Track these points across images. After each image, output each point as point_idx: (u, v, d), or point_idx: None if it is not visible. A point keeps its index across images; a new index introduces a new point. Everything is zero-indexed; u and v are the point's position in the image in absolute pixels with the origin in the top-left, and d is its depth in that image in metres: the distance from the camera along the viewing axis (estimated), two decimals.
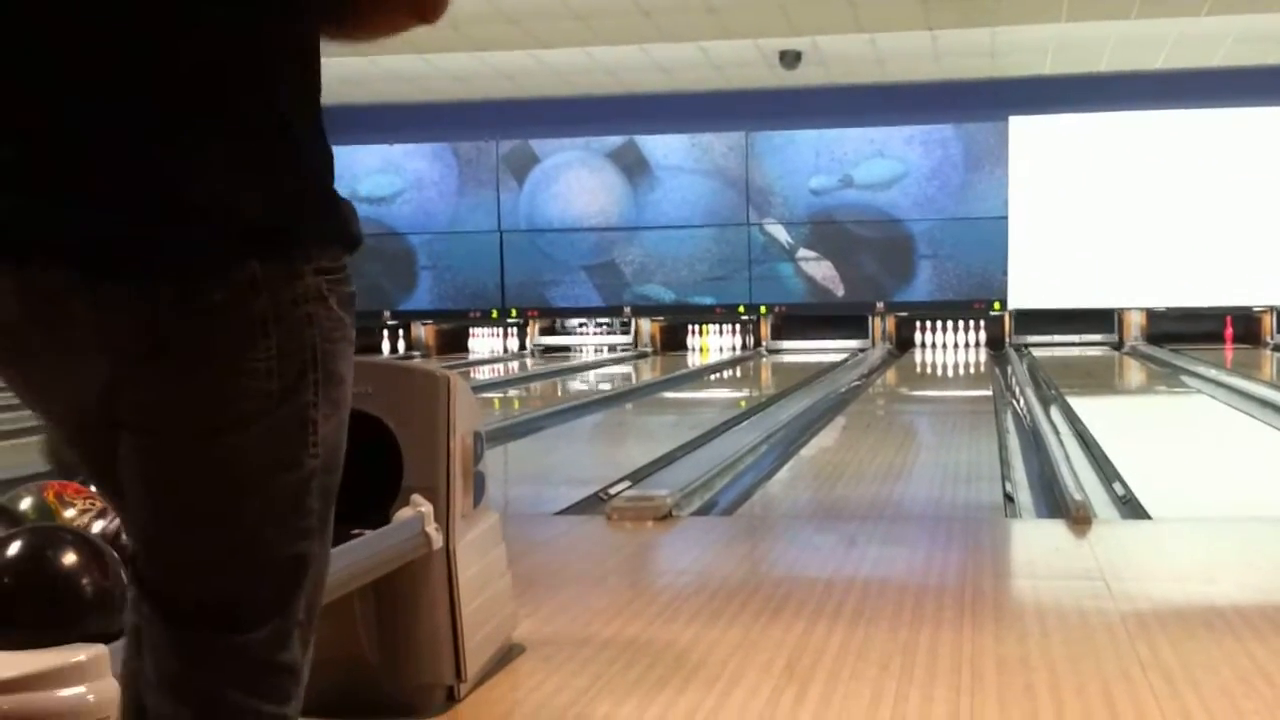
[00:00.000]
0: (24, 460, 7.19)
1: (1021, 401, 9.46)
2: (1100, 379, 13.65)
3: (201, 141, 1.30)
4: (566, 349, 17.60)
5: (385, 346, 17.46)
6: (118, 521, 2.00)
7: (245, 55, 1.33)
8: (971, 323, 16.81)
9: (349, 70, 13.91)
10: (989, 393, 11.01)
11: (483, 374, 14.65)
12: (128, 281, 1.30)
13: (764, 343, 17.11)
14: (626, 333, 17.53)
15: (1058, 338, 16.66)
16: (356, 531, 2.56)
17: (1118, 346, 16.31)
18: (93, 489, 2.26)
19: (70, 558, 1.84)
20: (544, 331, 17.76)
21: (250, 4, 1.33)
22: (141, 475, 1.38)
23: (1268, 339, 16.09)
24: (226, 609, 1.39)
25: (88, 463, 1.51)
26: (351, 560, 2.49)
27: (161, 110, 1.30)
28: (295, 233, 1.35)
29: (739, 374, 14.94)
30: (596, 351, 17.47)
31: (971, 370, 14.60)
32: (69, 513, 2.15)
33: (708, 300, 17.26)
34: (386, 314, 17.34)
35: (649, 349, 17.22)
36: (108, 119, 1.30)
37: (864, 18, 13.03)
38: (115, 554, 1.91)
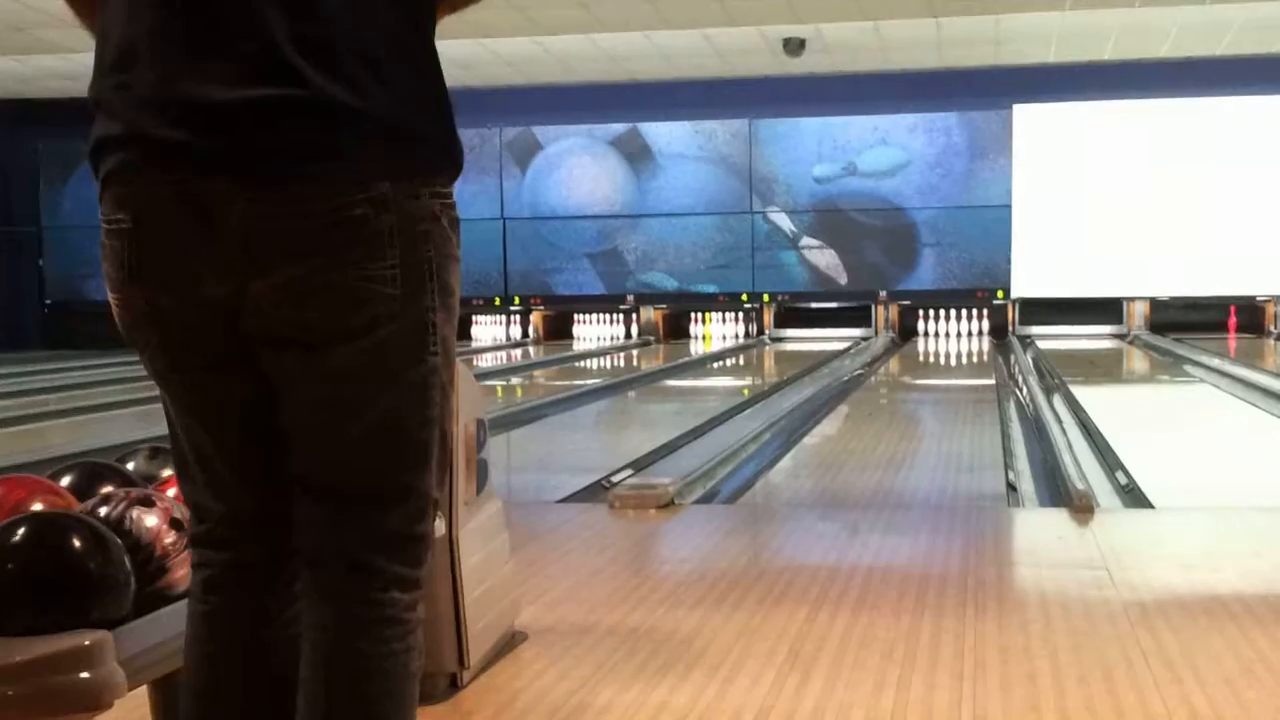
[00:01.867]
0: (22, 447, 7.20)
1: (1024, 390, 9.46)
2: (1103, 368, 13.64)
3: (353, 74, 1.54)
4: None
5: None
6: (121, 507, 2.00)
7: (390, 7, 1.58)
8: (975, 311, 16.81)
9: None
10: (992, 381, 11.00)
11: (486, 361, 14.65)
12: (281, 191, 1.53)
13: (767, 331, 17.12)
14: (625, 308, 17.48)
15: (1061, 327, 16.67)
16: None
17: (1121, 335, 16.30)
18: (62, 484, 2.25)
19: (75, 544, 1.84)
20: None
21: None
22: (293, 381, 1.62)
23: (1271, 328, 16.08)
24: (373, 487, 1.64)
25: (189, 382, 1.68)
26: None
27: (322, 46, 1.54)
28: (419, 159, 1.60)
29: (742, 362, 14.93)
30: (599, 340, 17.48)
31: (974, 359, 14.59)
32: None
33: (711, 288, 17.26)
34: None
35: (652, 337, 17.21)
36: (282, 51, 1.52)
37: (868, 5, 13.01)
38: (119, 540, 1.91)
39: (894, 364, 13.84)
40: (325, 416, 1.63)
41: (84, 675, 1.73)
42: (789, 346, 16.21)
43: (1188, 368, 12.11)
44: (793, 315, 17.26)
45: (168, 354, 1.67)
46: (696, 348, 16.56)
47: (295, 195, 1.53)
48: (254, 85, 1.52)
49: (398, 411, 1.63)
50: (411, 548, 1.68)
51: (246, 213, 1.53)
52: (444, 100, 1.64)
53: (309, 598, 1.68)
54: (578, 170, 17.40)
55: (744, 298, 17.17)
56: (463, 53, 14.73)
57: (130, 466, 2.37)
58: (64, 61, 14.80)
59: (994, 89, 16.24)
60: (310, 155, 1.53)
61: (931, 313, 16.97)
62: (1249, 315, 16.47)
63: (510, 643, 3.14)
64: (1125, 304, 16.48)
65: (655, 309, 17.40)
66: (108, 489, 2.16)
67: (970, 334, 16.76)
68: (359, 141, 1.55)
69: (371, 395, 1.62)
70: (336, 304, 1.57)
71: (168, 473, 2.31)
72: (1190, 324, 16.11)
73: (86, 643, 1.75)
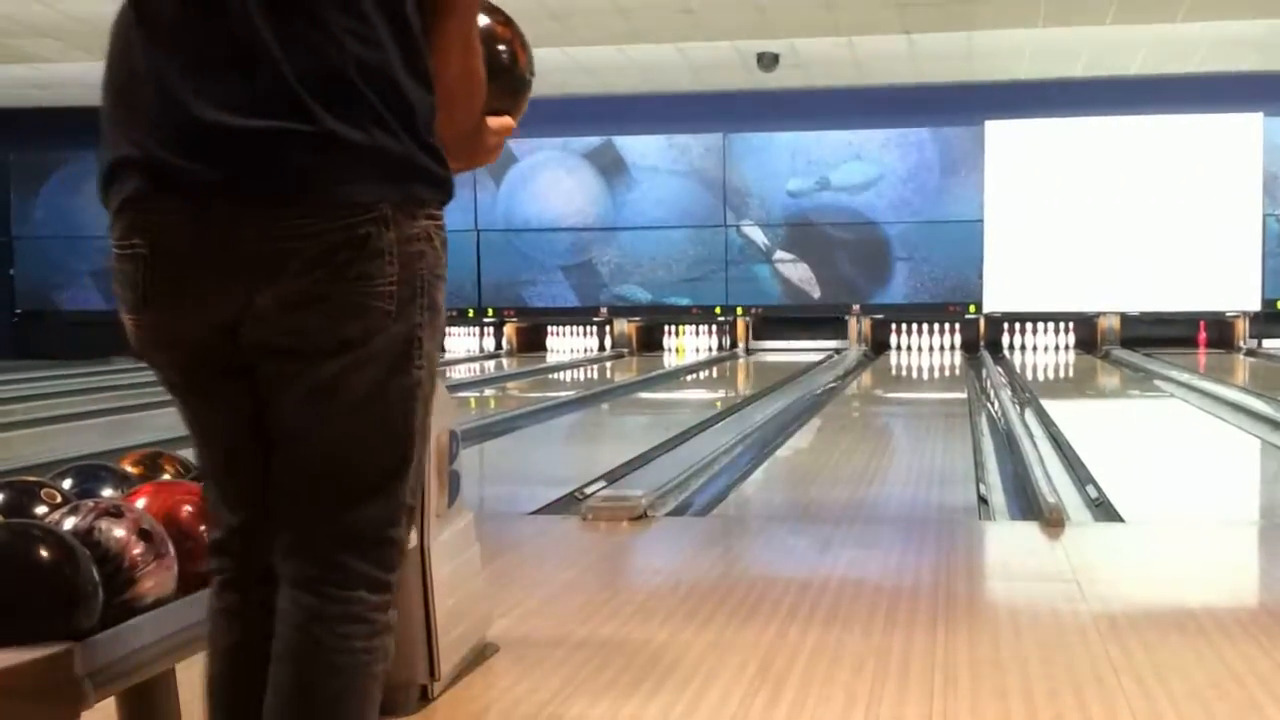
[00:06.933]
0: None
1: (996, 404, 9.49)
2: (1074, 382, 13.71)
3: (354, 111, 1.63)
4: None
5: None
6: (90, 518, 1.99)
7: (388, 49, 1.67)
8: (947, 325, 16.88)
9: None
10: (964, 395, 11.04)
11: (459, 373, 14.62)
12: (290, 212, 1.61)
13: (740, 344, 17.16)
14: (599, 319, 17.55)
15: (1032, 340, 16.77)
16: None
17: (1092, 350, 16.39)
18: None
19: (42, 554, 1.83)
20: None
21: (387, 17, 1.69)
22: (284, 387, 1.69)
23: (1240, 343, 16.19)
24: (351, 489, 1.71)
25: (201, 396, 1.77)
26: None
27: (325, 84, 1.62)
28: (416, 184, 1.69)
29: (715, 375, 14.94)
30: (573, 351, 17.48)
31: (946, 373, 14.65)
32: None
33: (684, 301, 17.28)
34: None
35: (625, 349, 17.22)
36: (290, 87, 1.61)
37: (841, 21, 13.06)
38: (87, 551, 1.90)
39: (866, 378, 13.88)
40: (313, 420, 1.70)
41: (50, 686, 1.72)
42: (761, 359, 16.23)
43: (1158, 382, 12.18)
44: (767, 328, 17.31)
45: (179, 371, 1.76)
46: (670, 360, 16.56)
47: (303, 216, 1.62)
48: (263, 117, 1.60)
49: (382, 419, 1.71)
50: (383, 550, 1.74)
51: (257, 234, 1.62)
52: (434, 131, 1.73)
53: (280, 594, 1.73)
54: (552, 183, 17.40)
55: (717, 311, 17.20)
56: None
57: (66, 485, 2.34)
58: (35, 71, 14.73)
59: (966, 105, 16.33)
60: (317, 180, 1.62)
61: (904, 327, 17.04)
62: (1218, 330, 16.60)
63: (482, 655, 3.13)
64: (1096, 319, 16.57)
65: (629, 321, 17.41)
66: (74, 501, 2.14)
67: (942, 348, 16.83)
68: (361, 169, 1.64)
69: (360, 403, 1.69)
70: (336, 314, 1.65)
71: (108, 493, 2.30)
72: (1160, 339, 16.22)
73: (53, 654, 1.73)
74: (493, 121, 2.01)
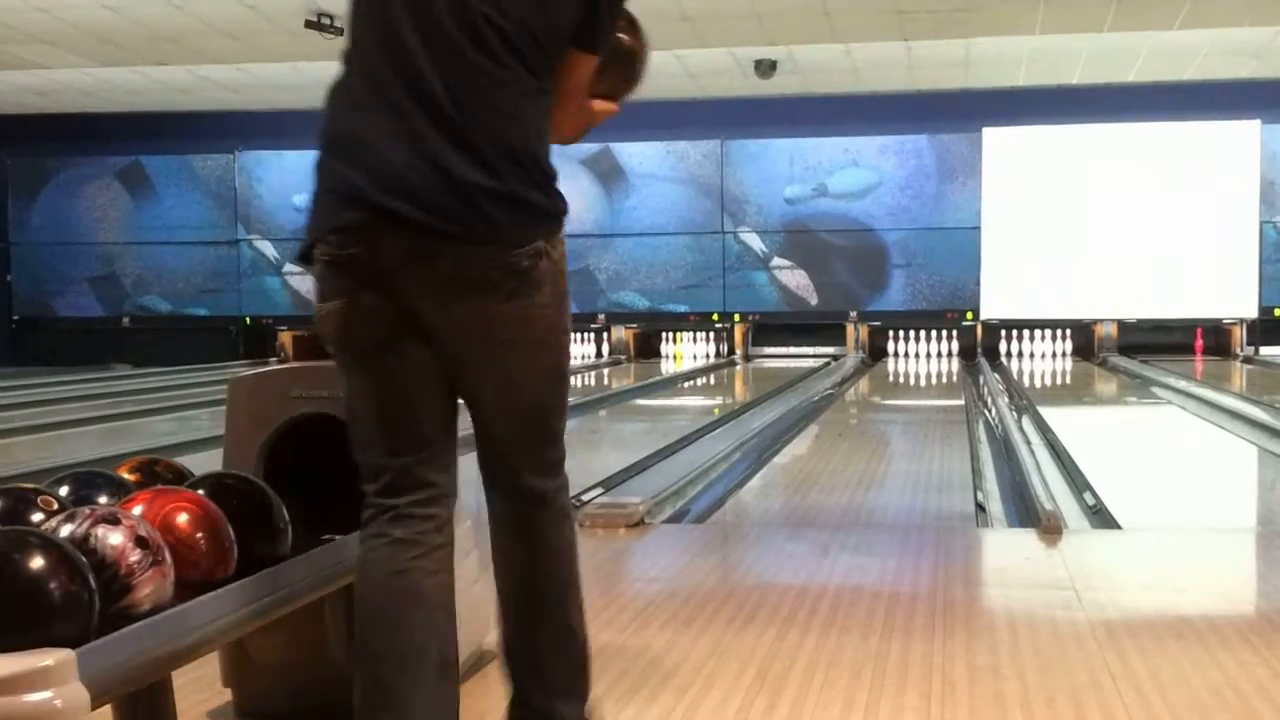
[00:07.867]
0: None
1: (993, 411, 9.49)
2: (1071, 389, 13.71)
3: (522, 173, 2.24)
4: None
5: None
6: (86, 525, 1.99)
7: (537, 116, 2.30)
8: (944, 332, 16.88)
9: (325, 75, 13.85)
10: (961, 402, 11.04)
11: None
12: (479, 249, 2.22)
13: (738, 351, 17.16)
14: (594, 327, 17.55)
15: (1029, 347, 16.78)
16: (327, 537, 2.55)
17: (1089, 357, 16.39)
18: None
19: (38, 561, 1.82)
20: None
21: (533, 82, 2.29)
22: (479, 374, 2.31)
23: (1237, 351, 16.20)
24: (536, 428, 2.39)
25: (387, 361, 2.28)
26: (322, 565, 2.48)
27: (507, 151, 2.23)
28: (552, 224, 2.32)
29: (712, 382, 14.95)
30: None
31: (944, 379, 14.65)
32: None
33: (682, 308, 17.28)
34: None
35: (623, 356, 17.22)
36: (484, 153, 2.21)
37: (839, 28, 13.08)
38: (83, 558, 1.89)
39: (864, 384, 13.87)
40: (499, 394, 2.33)
41: (47, 694, 1.72)
42: (759, 366, 16.23)
43: (1155, 389, 12.18)
44: (764, 335, 17.32)
45: (373, 342, 2.26)
46: (667, 367, 16.56)
47: (487, 252, 2.22)
48: (467, 172, 2.19)
49: (548, 386, 2.38)
50: (557, 466, 2.43)
51: (453, 263, 2.21)
52: (557, 178, 2.32)
53: (499, 515, 2.45)
54: None
55: (715, 317, 17.21)
56: None
57: (63, 491, 2.34)
58: (34, 77, 14.73)
59: (964, 112, 16.35)
60: (498, 226, 2.22)
61: (901, 333, 17.05)
62: (1215, 338, 16.60)
63: (479, 661, 3.13)
64: (1093, 326, 16.58)
65: (626, 328, 17.41)
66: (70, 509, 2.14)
67: (939, 355, 16.84)
68: (526, 218, 2.26)
69: (531, 379, 2.34)
70: (515, 322, 2.28)
71: (104, 499, 2.30)
72: (1158, 346, 16.22)
73: (50, 662, 1.73)
74: (597, 105, 2.48)
